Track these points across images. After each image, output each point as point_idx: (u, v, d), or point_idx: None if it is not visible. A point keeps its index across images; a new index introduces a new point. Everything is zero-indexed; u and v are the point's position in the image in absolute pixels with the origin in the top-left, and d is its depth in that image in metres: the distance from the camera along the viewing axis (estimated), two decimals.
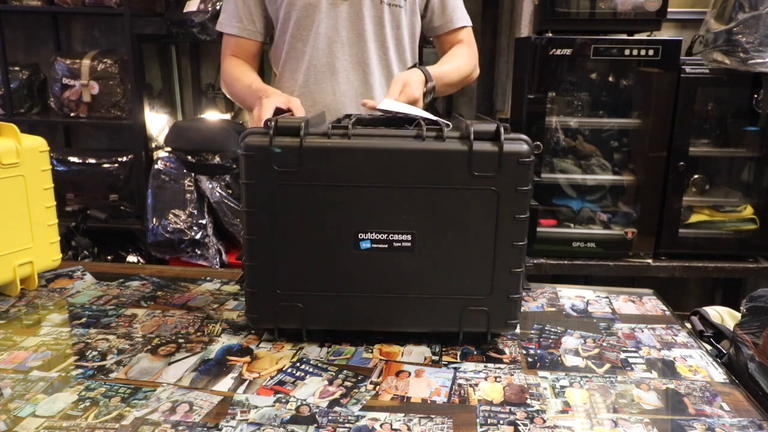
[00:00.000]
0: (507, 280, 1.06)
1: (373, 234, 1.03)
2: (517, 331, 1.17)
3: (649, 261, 2.66)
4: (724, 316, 1.32)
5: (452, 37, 1.59)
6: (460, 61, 1.55)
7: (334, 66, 1.46)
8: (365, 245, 1.04)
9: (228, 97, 1.55)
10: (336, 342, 1.11)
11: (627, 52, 2.48)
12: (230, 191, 2.89)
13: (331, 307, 1.08)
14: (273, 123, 1.00)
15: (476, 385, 0.98)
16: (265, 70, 3.14)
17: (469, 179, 1.00)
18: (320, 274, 1.06)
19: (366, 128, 1.04)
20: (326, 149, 1.00)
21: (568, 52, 2.49)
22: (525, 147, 1.00)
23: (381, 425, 0.87)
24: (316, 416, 0.89)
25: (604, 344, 1.13)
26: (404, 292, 1.06)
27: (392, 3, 1.46)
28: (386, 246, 1.04)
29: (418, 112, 1.10)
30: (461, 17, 1.58)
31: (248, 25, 1.48)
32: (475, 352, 1.08)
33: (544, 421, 0.89)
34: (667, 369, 1.05)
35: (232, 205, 2.88)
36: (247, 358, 1.05)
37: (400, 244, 1.03)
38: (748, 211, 2.70)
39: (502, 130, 1.00)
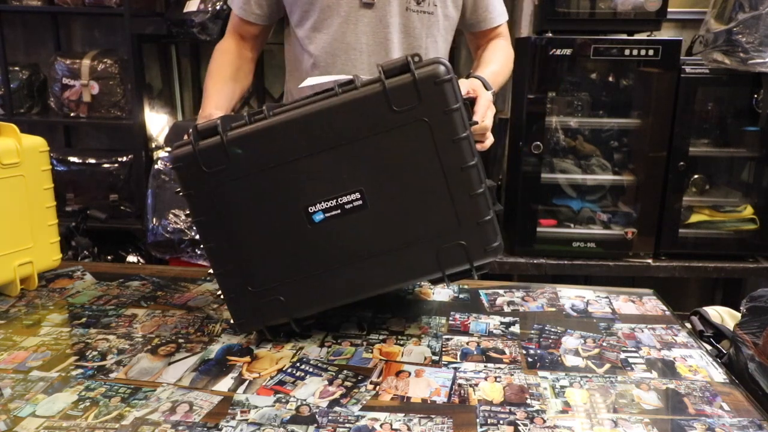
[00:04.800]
0: (470, 204, 1.01)
1: (323, 203, 1.01)
2: (517, 331, 1.17)
3: (649, 261, 2.66)
4: (724, 316, 1.32)
5: (491, 33, 1.50)
6: (503, 56, 1.46)
7: (350, 75, 1.39)
8: (319, 217, 1.01)
9: None
10: (336, 342, 1.11)
11: (627, 52, 2.48)
12: None
13: (310, 290, 1.05)
14: (192, 129, 1.01)
15: (476, 385, 0.98)
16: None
17: (394, 117, 0.98)
18: (287, 260, 1.04)
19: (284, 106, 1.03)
20: (248, 135, 0.99)
21: (568, 52, 2.48)
22: (440, 68, 0.97)
23: (381, 425, 0.87)
24: (316, 416, 0.89)
25: (604, 344, 1.13)
26: (374, 252, 1.03)
27: (421, 10, 1.35)
28: (339, 211, 1.01)
29: (338, 77, 1.10)
30: (501, 12, 1.48)
31: (255, 9, 1.40)
32: (474, 352, 1.09)
33: (544, 421, 0.89)
34: (667, 369, 1.05)
35: None
36: (247, 358, 1.05)
37: (351, 205, 1.01)
38: (748, 211, 2.70)
39: (410, 59, 0.97)
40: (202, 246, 1.05)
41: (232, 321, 1.10)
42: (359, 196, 1.01)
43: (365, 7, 1.34)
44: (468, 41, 1.56)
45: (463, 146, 1.00)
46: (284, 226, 1.03)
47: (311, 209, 1.01)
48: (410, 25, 1.36)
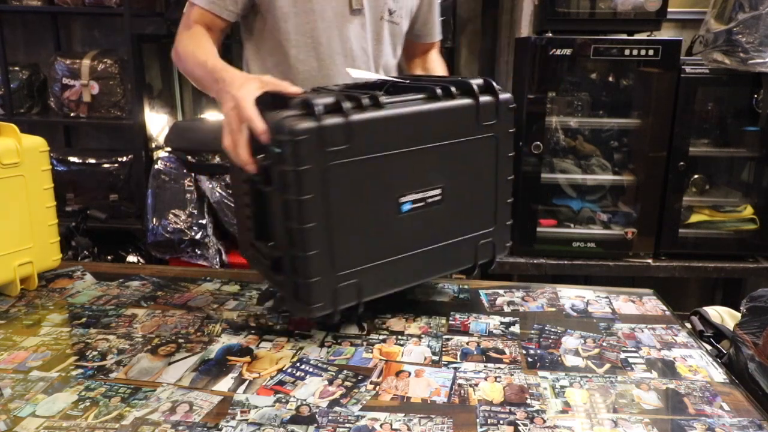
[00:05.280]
0: (505, 210, 1.22)
1: (412, 195, 1.09)
2: (517, 331, 1.17)
3: (649, 261, 2.66)
4: (724, 316, 1.32)
5: (431, 46, 1.63)
6: (444, 69, 1.63)
7: (335, 80, 1.37)
8: (406, 207, 1.09)
9: (180, 71, 1.37)
10: (336, 342, 1.11)
11: (627, 52, 2.48)
12: (230, 191, 2.89)
13: (380, 275, 1.09)
14: (309, 102, 0.97)
15: (476, 385, 0.98)
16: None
17: (477, 129, 1.13)
18: (372, 246, 1.07)
19: (386, 96, 1.07)
20: (368, 121, 1.01)
21: (568, 52, 2.48)
22: (510, 94, 1.16)
23: (381, 425, 0.87)
24: (316, 416, 0.89)
25: (604, 344, 1.13)
26: (436, 242, 1.14)
27: (391, 20, 1.43)
28: (423, 204, 1.10)
29: (383, 76, 1.20)
30: (440, 31, 1.62)
31: (230, 5, 1.34)
32: (474, 352, 1.09)
33: (544, 421, 0.89)
34: (667, 369, 1.05)
35: (231, 204, 2.87)
36: (247, 358, 1.05)
37: (432, 199, 1.11)
38: (748, 211, 2.70)
39: (493, 83, 1.13)
40: (295, 226, 0.99)
41: (304, 305, 1.05)
42: (440, 192, 1.12)
43: (354, 14, 1.37)
44: (404, 47, 1.63)
45: (511, 162, 1.19)
46: (377, 212, 1.07)
47: (402, 199, 1.08)
48: (381, 33, 1.43)
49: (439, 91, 1.08)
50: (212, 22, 1.37)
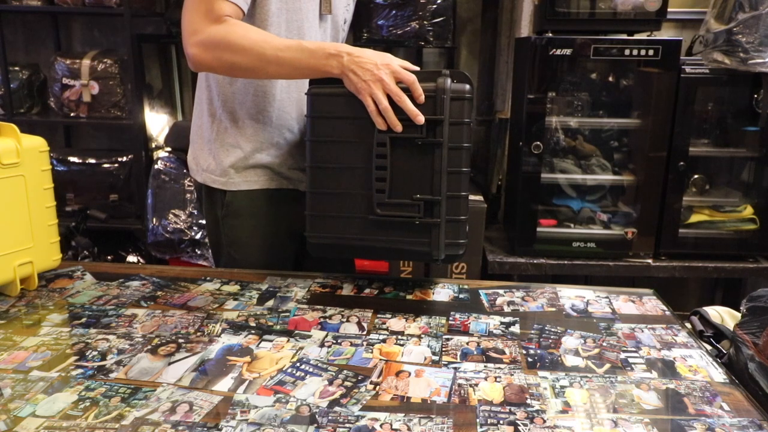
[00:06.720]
0: None
1: None
2: (517, 331, 1.17)
3: (649, 261, 2.66)
4: (724, 316, 1.32)
5: None
6: None
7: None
8: None
9: (213, 62, 1.29)
10: (336, 342, 1.11)
11: (627, 52, 2.48)
12: None
13: None
14: (463, 73, 1.20)
15: (476, 385, 0.98)
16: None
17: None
18: None
19: None
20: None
21: (568, 52, 2.48)
22: None
23: (381, 425, 0.87)
24: (316, 416, 0.89)
25: (604, 344, 1.13)
26: None
27: (344, 28, 1.54)
28: None
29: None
30: None
31: None
32: (474, 352, 1.09)
33: (544, 421, 0.89)
34: (667, 369, 1.05)
35: None
36: (247, 358, 1.05)
37: None
38: (748, 211, 2.70)
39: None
40: (459, 170, 1.20)
41: (456, 241, 1.24)
42: None
43: (323, 16, 1.44)
44: None
45: None
46: None
47: None
48: (338, 38, 1.54)
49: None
50: (237, 14, 1.34)
